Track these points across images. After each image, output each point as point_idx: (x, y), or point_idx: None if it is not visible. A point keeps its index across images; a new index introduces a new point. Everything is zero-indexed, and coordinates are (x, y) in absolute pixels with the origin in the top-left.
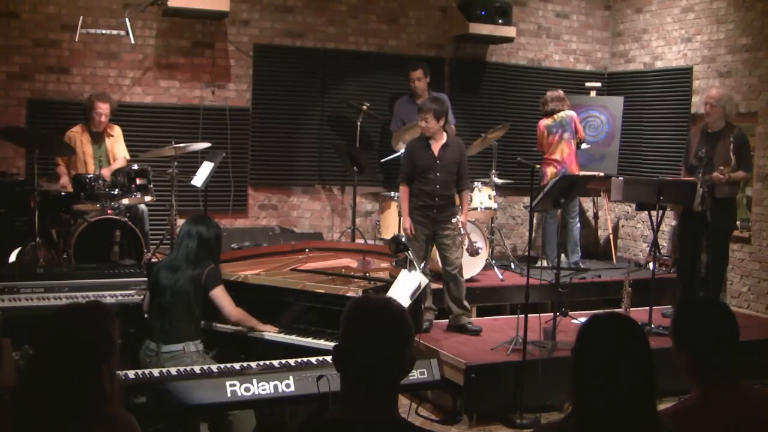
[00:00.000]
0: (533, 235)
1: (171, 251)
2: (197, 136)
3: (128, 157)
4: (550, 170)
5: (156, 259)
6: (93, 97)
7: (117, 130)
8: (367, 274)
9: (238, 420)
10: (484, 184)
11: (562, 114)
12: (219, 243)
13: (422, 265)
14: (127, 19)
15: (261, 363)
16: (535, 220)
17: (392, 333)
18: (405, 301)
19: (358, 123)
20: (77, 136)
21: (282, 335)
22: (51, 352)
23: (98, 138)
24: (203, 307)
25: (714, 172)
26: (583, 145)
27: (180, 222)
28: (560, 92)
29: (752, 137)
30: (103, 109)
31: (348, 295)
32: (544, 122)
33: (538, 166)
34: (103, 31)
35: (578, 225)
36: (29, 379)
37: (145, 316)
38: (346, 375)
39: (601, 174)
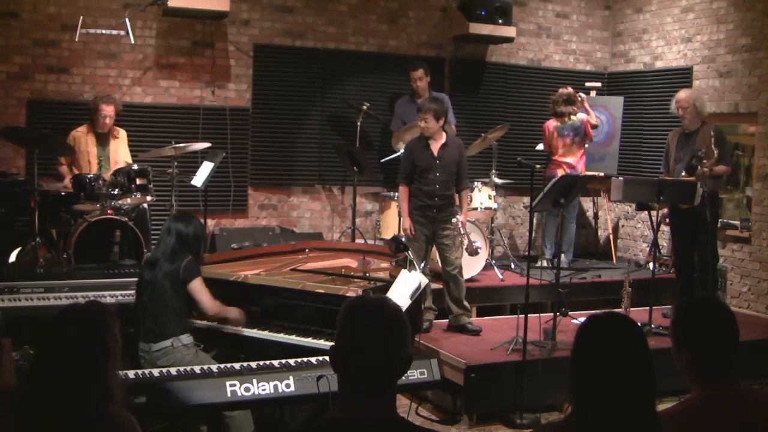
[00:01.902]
0: (533, 235)
1: (154, 248)
2: (197, 136)
3: (130, 161)
4: (560, 173)
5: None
6: (98, 100)
7: (122, 134)
8: (367, 274)
9: (236, 422)
10: (484, 184)
11: (575, 118)
12: (198, 240)
13: (422, 265)
14: (127, 19)
15: (261, 363)
16: (534, 220)
17: (388, 332)
18: (405, 301)
19: (358, 123)
20: (82, 136)
21: (282, 335)
22: (53, 353)
23: (103, 139)
24: (187, 300)
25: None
26: (585, 145)
27: None
28: (570, 90)
29: (752, 137)
30: (107, 111)
31: (348, 295)
32: (553, 123)
33: (538, 166)
34: (103, 31)
35: (575, 225)
36: (30, 380)
37: None
38: (344, 375)
39: (601, 174)
